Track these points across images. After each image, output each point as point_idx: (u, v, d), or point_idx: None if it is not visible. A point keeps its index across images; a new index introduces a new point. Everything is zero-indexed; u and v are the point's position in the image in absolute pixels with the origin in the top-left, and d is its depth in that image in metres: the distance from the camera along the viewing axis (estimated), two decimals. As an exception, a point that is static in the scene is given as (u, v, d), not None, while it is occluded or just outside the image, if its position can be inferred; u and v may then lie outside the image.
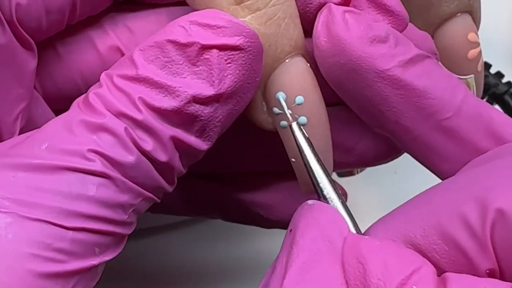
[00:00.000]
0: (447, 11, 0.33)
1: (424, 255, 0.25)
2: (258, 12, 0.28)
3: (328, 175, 0.28)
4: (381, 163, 0.34)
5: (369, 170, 0.42)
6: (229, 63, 0.27)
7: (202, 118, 0.27)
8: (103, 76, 0.27)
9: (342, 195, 0.30)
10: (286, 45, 0.28)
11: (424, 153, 0.30)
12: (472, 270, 0.25)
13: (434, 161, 0.30)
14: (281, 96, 0.29)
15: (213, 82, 0.27)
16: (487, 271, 0.25)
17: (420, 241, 0.25)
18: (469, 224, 0.25)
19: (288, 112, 0.29)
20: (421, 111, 0.29)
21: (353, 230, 0.27)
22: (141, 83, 0.26)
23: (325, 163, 0.29)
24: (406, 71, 0.28)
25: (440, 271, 0.25)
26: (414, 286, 0.23)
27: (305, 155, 0.28)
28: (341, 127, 0.32)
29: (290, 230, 0.26)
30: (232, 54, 0.27)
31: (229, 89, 0.27)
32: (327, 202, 0.28)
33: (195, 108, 0.27)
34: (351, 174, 0.43)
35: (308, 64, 0.29)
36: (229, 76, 0.27)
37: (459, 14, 0.33)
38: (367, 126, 0.31)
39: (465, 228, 0.25)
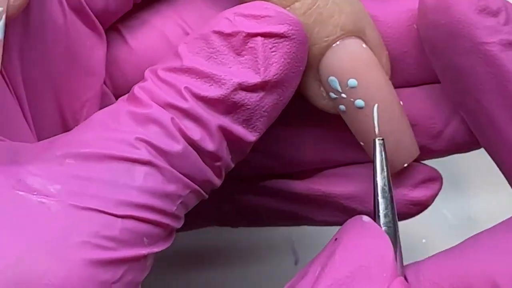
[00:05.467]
0: None
1: None
2: (296, 3, 0.28)
3: (392, 202, 0.28)
4: (471, 150, 0.32)
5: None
6: (274, 51, 0.27)
7: (248, 107, 0.27)
8: (147, 72, 0.27)
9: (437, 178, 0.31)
10: (331, 31, 0.28)
11: (495, 143, 0.29)
12: None
13: (503, 155, 0.29)
14: (333, 80, 0.29)
15: (259, 69, 0.27)
16: None
17: None
18: None
19: (343, 96, 0.29)
20: (507, 98, 0.28)
21: (397, 263, 0.26)
22: (187, 74, 0.26)
23: (401, 147, 0.29)
24: (505, 52, 0.27)
25: None
26: None
27: (376, 178, 0.28)
28: (428, 108, 0.31)
29: (336, 239, 0.26)
30: (276, 42, 0.27)
31: (275, 77, 0.27)
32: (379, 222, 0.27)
33: (241, 96, 0.27)
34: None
35: (364, 45, 0.29)
36: (274, 64, 0.27)
37: None
38: (456, 106, 0.30)
39: None
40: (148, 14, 0.30)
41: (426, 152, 0.31)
